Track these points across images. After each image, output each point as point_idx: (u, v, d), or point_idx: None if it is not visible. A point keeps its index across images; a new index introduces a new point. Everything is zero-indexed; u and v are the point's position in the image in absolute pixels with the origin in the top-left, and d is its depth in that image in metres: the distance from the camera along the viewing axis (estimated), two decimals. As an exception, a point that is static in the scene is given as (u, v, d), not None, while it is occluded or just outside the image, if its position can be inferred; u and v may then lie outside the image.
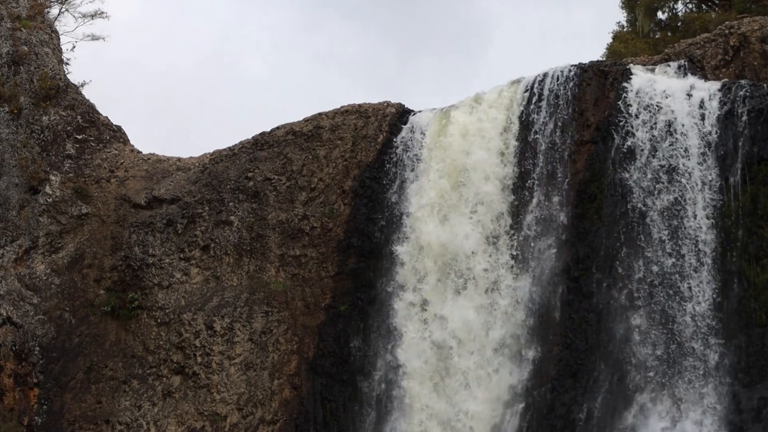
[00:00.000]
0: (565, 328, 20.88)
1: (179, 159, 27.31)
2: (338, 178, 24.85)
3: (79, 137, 27.08)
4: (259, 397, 23.61)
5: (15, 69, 26.79)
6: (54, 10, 32.80)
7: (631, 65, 22.95)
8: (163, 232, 25.51)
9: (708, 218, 20.24)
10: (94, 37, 34.37)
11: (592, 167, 21.60)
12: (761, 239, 19.55)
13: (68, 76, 28.72)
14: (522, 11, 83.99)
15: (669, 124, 21.19)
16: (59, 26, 31.89)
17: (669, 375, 19.63)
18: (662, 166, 20.93)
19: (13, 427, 23.63)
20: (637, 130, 21.37)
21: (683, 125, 21.04)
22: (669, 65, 23.49)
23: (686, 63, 23.36)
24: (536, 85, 23.10)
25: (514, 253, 22.18)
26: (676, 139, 21.01)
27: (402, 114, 25.03)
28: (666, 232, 20.48)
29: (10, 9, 27.57)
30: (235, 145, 26.42)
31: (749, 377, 18.89)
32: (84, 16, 34.21)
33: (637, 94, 21.79)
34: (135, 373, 24.51)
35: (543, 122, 22.60)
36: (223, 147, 26.71)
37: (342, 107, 25.71)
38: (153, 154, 27.54)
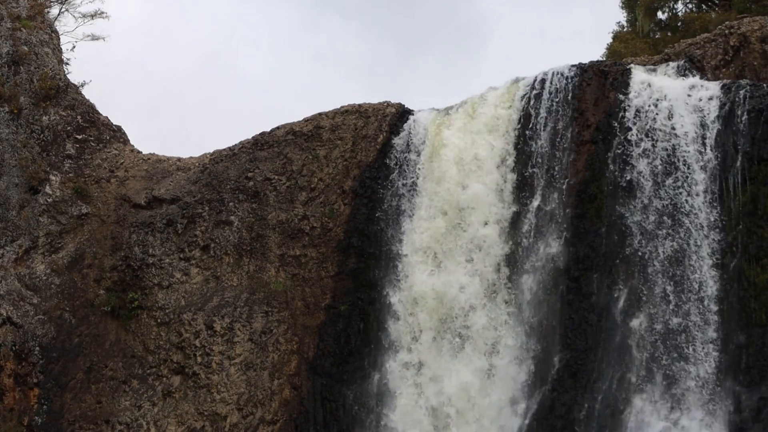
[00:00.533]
0: (565, 328, 20.87)
1: (179, 159, 27.31)
2: (338, 178, 24.84)
3: (79, 137, 27.08)
4: (259, 397, 23.61)
5: (15, 69, 26.79)
6: (54, 10, 32.83)
7: (632, 65, 22.93)
8: (163, 232, 25.51)
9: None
10: (94, 37, 34.40)
11: (592, 167, 21.59)
12: (761, 239, 19.54)
13: (68, 76, 28.73)
14: (521, 11, 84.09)
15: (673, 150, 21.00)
16: (59, 26, 31.91)
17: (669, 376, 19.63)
18: (665, 207, 20.61)
19: (13, 427, 23.63)
20: (638, 163, 21.13)
21: (686, 154, 20.80)
22: (669, 65, 23.49)
23: (686, 63, 23.35)
24: (532, 101, 22.58)
25: (512, 310, 21.60)
26: (679, 175, 20.71)
27: (402, 114, 25.02)
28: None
29: (10, 9, 27.57)
30: (235, 145, 26.43)
31: (749, 377, 18.88)
32: (84, 16, 34.23)
33: (636, 114, 21.41)
34: (135, 373, 24.50)
35: (541, 153, 22.16)
36: (223, 147, 26.72)
37: (342, 107, 25.70)
38: (153, 154, 27.54)
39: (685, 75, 22.94)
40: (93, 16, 34.25)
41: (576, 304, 20.89)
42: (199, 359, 24.05)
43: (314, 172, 25.08)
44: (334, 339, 23.55)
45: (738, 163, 20.13)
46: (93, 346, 24.83)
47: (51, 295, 25.08)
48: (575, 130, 22.02)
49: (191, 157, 27.24)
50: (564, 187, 21.76)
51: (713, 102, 20.97)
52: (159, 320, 24.78)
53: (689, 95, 21.36)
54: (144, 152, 27.74)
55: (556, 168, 21.99)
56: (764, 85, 20.97)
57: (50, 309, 24.92)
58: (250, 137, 26.30)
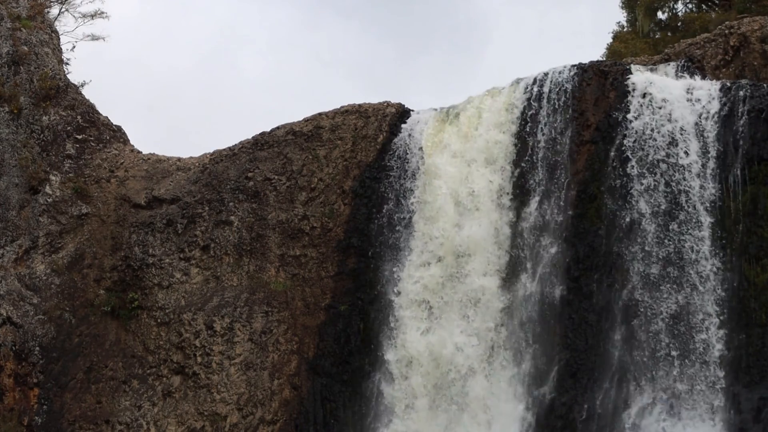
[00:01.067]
0: (565, 328, 20.84)
1: (179, 159, 27.31)
2: (338, 178, 24.84)
3: (79, 137, 27.08)
4: (259, 397, 23.61)
5: (15, 69, 26.79)
6: (54, 10, 32.86)
7: (632, 65, 22.92)
8: (163, 232, 25.51)
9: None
10: (94, 37, 34.45)
11: (592, 167, 21.58)
12: (761, 239, 19.52)
13: (68, 76, 28.74)
14: (520, 10, 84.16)
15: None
16: (59, 26, 31.95)
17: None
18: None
19: (13, 427, 23.63)
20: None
21: (688, 180, 20.51)
22: (669, 65, 23.47)
23: (686, 63, 23.34)
24: (530, 124, 22.18)
25: (513, 372, 21.01)
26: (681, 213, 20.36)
27: (402, 114, 25.00)
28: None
29: (10, 9, 27.57)
30: (235, 145, 26.43)
31: (749, 377, 18.87)
32: (84, 16, 34.28)
33: (635, 141, 21.05)
34: (135, 373, 24.51)
35: (540, 191, 21.70)
36: (223, 147, 26.72)
37: (342, 107, 25.69)
38: (153, 154, 27.54)
39: (684, 75, 22.93)
40: (93, 16, 34.32)
41: (576, 304, 20.87)
42: (199, 359, 24.05)
43: (314, 172, 25.08)
44: (334, 339, 23.54)
45: (738, 163, 20.12)
46: (93, 346, 24.83)
47: (51, 295, 25.09)
48: (575, 130, 22.00)
49: (191, 157, 27.25)
50: (564, 189, 21.70)
51: (713, 102, 20.95)
52: (159, 320, 24.79)
53: (689, 96, 21.32)
54: (144, 152, 27.75)
55: (554, 202, 21.65)
56: (764, 85, 20.95)
57: (50, 309, 24.93)
58: (250, 137, 26.31)
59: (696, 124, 20.84)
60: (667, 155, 20.76)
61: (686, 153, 20.69)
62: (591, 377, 20.22)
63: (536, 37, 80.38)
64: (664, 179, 20.58)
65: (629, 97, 21.65)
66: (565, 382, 20.43)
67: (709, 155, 20.48)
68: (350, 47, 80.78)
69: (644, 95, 21.57)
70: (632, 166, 20.92)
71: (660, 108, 21.28)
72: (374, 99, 26.35)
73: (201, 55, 75.55)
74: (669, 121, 21.06)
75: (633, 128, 21.24)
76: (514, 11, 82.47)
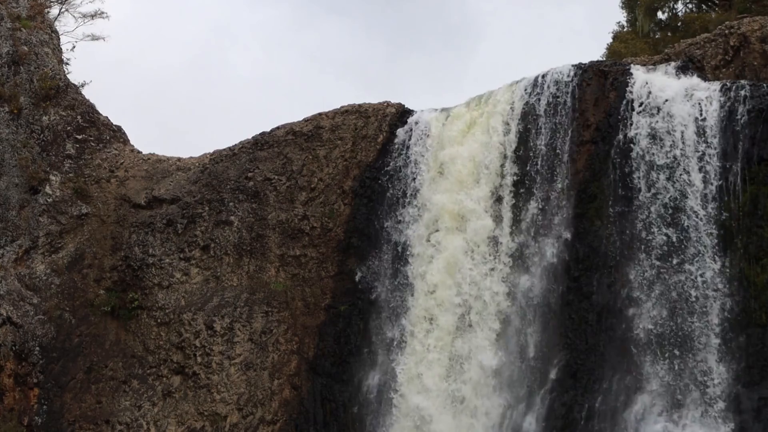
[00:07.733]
0: (565, 328, 20.85)
1: (179, 159, 27.32)
2: (338, 178, 24.84)
3: (79, 137, 27.09)
4: (259, 397, 23.61)
5: (15, 69, 26.80)
6: (54, 10, 32.90)
7: (632, 65, 22.91)
8: (163, 232, 25.51)
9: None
10: (94, 37, 34.49)
11: (592, 167, 21.58)
12: (761, 239, 19.51)
13: (68, 76, 28.75)
14: (513, 9, 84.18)
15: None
16: (59, 26, 32.00)
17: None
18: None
19: (13, 427, 23.63)
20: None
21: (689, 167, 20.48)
22: (669, 65, 23.45)
23: (686, 63, 23.32)
24: (529, 128, 22.13)
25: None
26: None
27: (402, 114, 24.99)
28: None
29: (10, 9, 27.59)
30: (235, 145, 26.44)
31: (749, 377, 18.86)
32: (84, 16, 34.31)
33: (635, 141, 20.95)
34: (135, 373, 24.51)
35: (539, 205, 21.49)
36: (216, 145, 26.80)
37: (342, 107, 25.70)
38: (153, 154, 27.56)
39: (684, 75, 22.91)
40: (93, 16, 34.35)
41: (576, 304, 20.87)
42: (199, 359, 24.05)
43: (314, 172, 25.08)
44: (334, 339, 23.54)
45: (738, 163, 20.10)
46: (93, 346, 24.83)
47: (51, 295, 25.09)
48: (575, 130, 21.99)
49: (191, 157, 27.26)
50: (564, 189, 21.68)
51: (713, 102, 20.94)
52: (159, 320, 24.79)
53: (689, 96, 21.31)
54: (143, 152, 27.76)
55: (554, 202, 21.54)
56: (764, 85, 20.93)
57: (50, 309, 24.93)
58: (249, 137, 26.33)
59: (696, 124, 20.83)
60: (667, 155, 20.75)
61: (686, 153, 20.68)
62: (591, 377, 20.22)
63: (530, 37, 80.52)
64: (664, 179, 20.58)
65: (629, 97, 21.65)
66: (565, 382, 20.44)
67: (710, 155, 20.47)
68: (343, 45, 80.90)
69: (644, 95, 21.57)
70: (632, 166, 20.92)
71: (660, 108, 21.27)
72: (367, 97, 26.64)
73: (193, 54, 75.63)
74: (669, 121, 21.05)
75: (633, 128, 21.24)
76: (507, 10, 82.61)
